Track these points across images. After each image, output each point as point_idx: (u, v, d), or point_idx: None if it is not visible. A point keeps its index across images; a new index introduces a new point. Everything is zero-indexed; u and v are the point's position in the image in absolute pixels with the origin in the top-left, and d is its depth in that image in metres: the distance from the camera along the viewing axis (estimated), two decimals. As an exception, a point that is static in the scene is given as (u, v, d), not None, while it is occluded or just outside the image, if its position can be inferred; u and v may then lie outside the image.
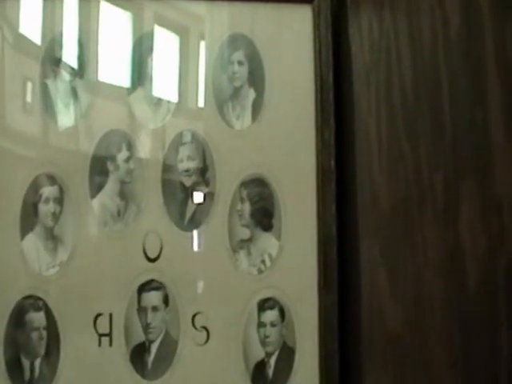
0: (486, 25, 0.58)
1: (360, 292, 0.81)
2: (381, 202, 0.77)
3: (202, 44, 0.87)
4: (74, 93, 0.83)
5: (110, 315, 0.80)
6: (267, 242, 0.85)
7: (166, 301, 0.82)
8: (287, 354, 0.83)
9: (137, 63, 0.85)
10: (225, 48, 0.87)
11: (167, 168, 0.84)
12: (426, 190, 0.67)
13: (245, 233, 0.84)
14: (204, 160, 0.84)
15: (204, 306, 0.82)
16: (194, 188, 0.84)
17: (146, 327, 0.81)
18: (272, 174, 0.85)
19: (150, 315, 0.81)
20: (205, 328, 0.82)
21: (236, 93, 0.86)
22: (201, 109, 0.87)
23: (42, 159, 0.82)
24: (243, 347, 0.82)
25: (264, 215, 0.85)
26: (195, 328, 0.82)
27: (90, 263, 0.81)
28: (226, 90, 0.86)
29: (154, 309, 0.81)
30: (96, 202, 0.82)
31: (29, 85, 0.83)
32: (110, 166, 0.83)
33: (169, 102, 0.85)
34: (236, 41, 0.87)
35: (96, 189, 0.82)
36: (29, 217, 0.80)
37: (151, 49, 0.85)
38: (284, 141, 0.86)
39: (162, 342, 0.81)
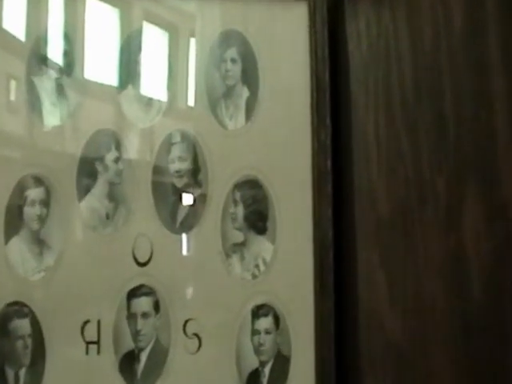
0: (490, 23, 0.57)
1: (357, 298, 0.81)
2: (379, 205, 0.77)
3: (193, 41, 0.87)
4: (62, 91, 0.82)
5: (98, 322, 0.79)
6: (261, 246, 0.84)
7: (156, 307, 0.80)
8: (282, 362, 0.82)
9: (126, 61, 0.84)
10: (217, 45, 0.86)
11: (158, 169, 0.83)
12: (427, 192, 0.66)
13: (238, 236, 0.83)
14: (196, 161, 0.84)
15: (196, 313, 0.81)
16: (185, 190, 0.83)
17: (136, 334, 0.80)
18: (266, 176, 0.84)
19: (140, 322, 0.80)
20: (196, 335, 0.81)
21: (229, 91, 0.86)
22: (193, 108, 0.86)
23: (28, 160, 0.81)
24: (236, 356, 0.81)
25: (258, 218, 0.84)
26: (186, 335, 0.80)
27: (78, 268, 0.80)
28: (218, 88, 0.85)
29: (144, 315, 0.80)
30: (84, 205, 0.81)
31: (13, 83, 0.82)
32: (99, 167, 0.81)
33: (159, 101, 0.84)
34: (229, 38, 0.86)
35: (84, 191, 0.81)
36: (13, 220, 0.79)
37: (140, 46, 0.85)
38: (279, 141, 0.85)
39: (152, 350, 0.80)
